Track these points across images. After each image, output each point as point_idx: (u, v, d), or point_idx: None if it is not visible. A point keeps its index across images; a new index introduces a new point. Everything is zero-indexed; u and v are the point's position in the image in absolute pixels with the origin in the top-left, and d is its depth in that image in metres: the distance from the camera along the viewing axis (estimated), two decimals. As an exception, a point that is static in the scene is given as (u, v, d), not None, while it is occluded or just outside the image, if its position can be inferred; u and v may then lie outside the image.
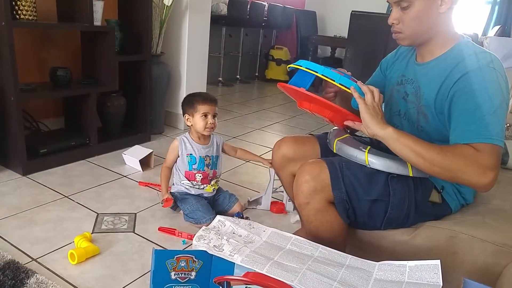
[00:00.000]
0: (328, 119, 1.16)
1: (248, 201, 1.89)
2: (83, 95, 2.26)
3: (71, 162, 2.19)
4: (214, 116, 1.70)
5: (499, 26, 4.14)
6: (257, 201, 1.90)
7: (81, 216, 1.67)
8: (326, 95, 1.20)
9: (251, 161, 2.41)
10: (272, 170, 1.82)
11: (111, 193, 1.90)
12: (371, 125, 1.03)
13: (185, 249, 1.48)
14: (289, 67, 1.18)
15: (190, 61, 2.95)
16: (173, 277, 1.02)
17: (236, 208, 1.75)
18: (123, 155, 2.26)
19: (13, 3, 1.90)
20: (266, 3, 5.15)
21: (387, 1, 1.11)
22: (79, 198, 1.82)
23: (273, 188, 1.88)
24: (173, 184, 1.78)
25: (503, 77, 1.01)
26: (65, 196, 1.82)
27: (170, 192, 1.74)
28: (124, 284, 1.29)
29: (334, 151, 1.20)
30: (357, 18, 3.53)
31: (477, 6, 5.05)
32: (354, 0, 4.87)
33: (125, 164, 2.25)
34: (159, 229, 1.61)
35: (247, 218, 1.70)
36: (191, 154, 1.71)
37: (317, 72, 1.08)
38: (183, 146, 1.72)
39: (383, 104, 1.21)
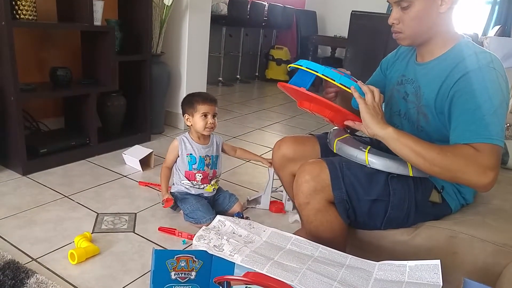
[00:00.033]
0: (328, 119, 1.16)
1: (248, 200, 1.89)
2: (83, 95, 2.26)
3: (71, 162, 2.19)
4: (214, 116, 1.70)
5: (499, 26, 4.14)
6: (256, 200, 1.90)
7: (81, 216, 1.67)
8: (327, 95, 1.20)
9: (251, 161, 2.41)
10: (271, 169, 1.82)
11: (111, 193, 1.90)
12: (371, 125, 1.03)
13: (185, 249, 1.48)
14: (289, 67, 1.18)
15: (190, 61, 2.95)
16: (173, 277, 1.02)
17: (236, 208, 1.75)
18: (123, 155, 2.26)
19: (13, 3, 1.90)
20: (266, 3, 5.15)
21: (387, 1, 1.11)
22: (79, 198, 1.82)
23: (272, 187, 1.88)
24: (173, 184, 1.78)
25: (503, 77, 1.01)
26: (65, 196, 1.82)
27: (170, 192, 1.74)
28: (124, 284, 1.29)
29: (334, 151, 1.20)
30: (357, 18, 3.54)
31: (477, 6, 5.05)
32: (354, 0, 4.87)
33: (125, 164, 2.25)
34: (159, 229, 1.61)
35: (247, 218, 1.70)
36: (191, 154, 1.71)
37: (317, 72, 1.08)
38: (183, 146, 1.72)
39: (383, 104, 1.21)
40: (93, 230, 1.57)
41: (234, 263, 0.97)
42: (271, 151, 1.49)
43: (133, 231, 1.59)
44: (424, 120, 1.13)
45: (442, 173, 0.98)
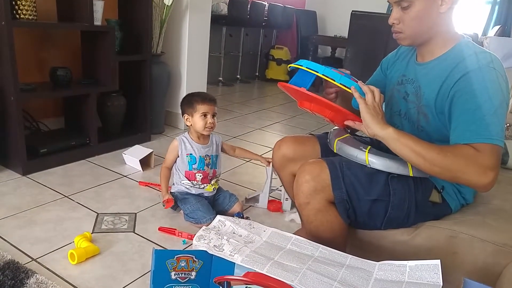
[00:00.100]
0: (328, 118, 1.16)
1: (246, 198, 1.90)
2: (83, 95, 2.26)
3: (71, 162, 2.19)
4: (213, 116, 1.70)
5: (499, 26, 4.14)
6: (255, 199, 1.91)
7: (81, 216, 1.67)
8: (327, 96, 1.20)
9: (251, 161, 2.41)
10: (269, 168, 1.82)
11: (111, 193, 1.90)
12: (371, 125, 1.03)
13: (185, 249, 1.48)
14: (289, 67, 1.18)
15: (191, 61, 2.95)
16: (173, 277, 1.02)
17: (236, 208, 1.75)
18: (123, 155, 2.26)
19: (13, 2, 1.90)
20: (266, 3, 5.15)
21: (388, 1, 1.11)
22: (79, 198, 1.82)
23: (271, 186, 1.88)
24: (173, 184, 1.78)
25: (503, 77, 1.01)
26: (65, 196, 1.82)
27: (171, 192, 1.74)
28: (124, 284, 1.29)
29: (335, 151, 1.20)
30: (357, 18, 3.54)
31: (477, 6, 5.05)
32: (354, 0, 4.87)
33: (125, 164, 2.25)
34: (159, 229, 1.61)
35: (247, 218, 1.70)
36: (191, 154, 1.71)
37: (317, 72, 1.08)
38: (182, 146, 1.72)
39: (384, 104, 1.21)
40: (93, 230, 1.57)
41: (234, 263, 0.97)
42: (271, 151, 1.49)
43: (133, 231, 1.59)
44: (424, 120, 1.13)
45: (442, 173, 0.98)
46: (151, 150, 2.22)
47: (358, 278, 0.90)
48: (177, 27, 2.87)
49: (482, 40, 2.91)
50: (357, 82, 1.09)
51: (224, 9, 4.62)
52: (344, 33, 4.26)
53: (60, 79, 2.18)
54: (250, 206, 1.89)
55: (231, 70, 5.25)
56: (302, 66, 1.11)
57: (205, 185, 1.73)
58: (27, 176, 1.98)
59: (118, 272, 1.34)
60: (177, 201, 1.72)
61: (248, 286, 0.93)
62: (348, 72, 1.14)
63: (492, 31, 4.07)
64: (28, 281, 1.21)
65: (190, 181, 1.72)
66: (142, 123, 2.64)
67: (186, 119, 1.72)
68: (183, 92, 2.93)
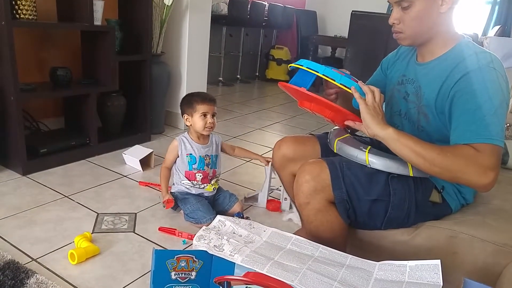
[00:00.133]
0: (328, 118, 1.16)
1: (245, 197, 1.90)
2: (83, 95, 2.26)
3: (71, 162, 2.19)
4: (213, 116, 1.70)
5: (499, 26, 4.14)
6: (254, 198, 1.91)
7: (81, 216, 1.67)
8: (327, 96, 1.20)
9: (251, 161, 2.41)
10: (268, 168, 1.83)
11: (111, 193, 1.90)
12: (371, 125, 1.03)
13: (186, 249, 1.48)
14: (290, 66, 1.17)
15: (191, 60, 2.95)
16: (173, 277, 1.02)
17: (236, 208, 1.75)
18: (123, 155, 2.26)
19: (13, 2, 1.90)
20: (266, 3, 5.15)
21: (388, 1, 1.10)
22: (79, 198, 1.82)
23: (270, 186, 1.88)
24: (173, 184, 1.78)
25: (504, 77, 1.01)
26: (65, 196, 1.82)
27: (171, 192, 1.74)
28: (124, 284, 1.29)
29: (335, 151, 1.20)
30: (357, 18, 3.54)
31: (477, 6, 5.05)
32: (354, 0, 4.87)
33: (125, 164, 2.25)
34: (159, 229, 1.61)
35: (247, 218, 1.70)
36: (191, 154, 1.71)
37: (318, 72, 1.08)
38: (182, 146, 1.72)
39: (384, 103, 1.21)
40: (93, 230, 1.57)
41: (234, 263, 0.97)
42: (271, 151, 1.49)
43: (133, 231, 1.59)
44: (424, 120, 1.13)
45: (443, 174, 0.98)
46: (151, 150, 2.22)
47: (358, 278, 0.90)
48: (177, 27, 2.87)
49: (482, 40, 2.91)
50: (357, 82, 1.08)
51: (224, 9, 4.62)
52: (344, 33, 4.26)
53: (60, 79, 2.18)
54: (250, 205, 1.89)
55: (231, 70, 5.25)
56: (302, 66, 1.11)
57: (205, 185, 1.73)
58: (27, 176, 1.98)
59: (118, 272, 1.34)
60: (177, 201, 1.72)
61: (248, 286, 0.93)
62: (348, 72, 1.14)
63: (492, 31, 4.07)
64: (28, 281, 1.21)
65: (190, 181, 1.72)
66: (142, 123, 2.64)
67: (186, 119, 1.72)
68: (183, 92, 2.93)
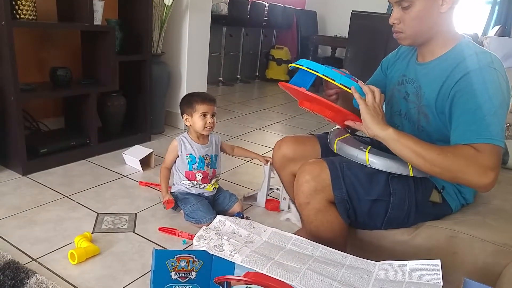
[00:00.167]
0: (328, 118, 1.16)
1: (244, 197, 1.90)
2: (83, 95, 2.26)
3: (71, 162, 2.19)
4: (213, 116, 1.70)
5: (499, 26, 4.14)
6: (253, 197, 1.91)
7: (81, 216, 1.67)
8: (327, 96, 1.20)
9: (251, 161, 2.41)
10: (267, 167, 1.83)
11: (111, 193, 1.90)
12: (371, 125, 1.03)
13: (186, 249, 1.48)
14: (290, 66, 1.17)
15: (191, 60, 2.95)
16: (173, 277, 1.02)
17: (236, 208, 1.75)
18: (123, 155, 2.26)
19: (13, 2, 1.90)
20: (266, 3, 5.15)
21: (388, 1, 1.10)
22: (79, 198, 1.82)
23: (269, 186, 1.88)
24: (173, 184, 1.78)
25: (504, 77, 1.01)
26: (65, 196, 1.82)
27: (171, 192, 1.74)
28: (124, 284, 1.29)
29: (335, 151, 1.20)
30: (357, 18, 3.54)
31: (477, 6, 5.05)
32: (354, 0, 4.87)
33: (125, 164, 2.25)
34: (160, 229, 1.61)
35: (247, 218, 1.70)
36: (191, 154, 1.71)
37: (318, 72, 1.08)
38: (182, 146, 1.72)
39: (384, 103, 1.21)
40: (93, 230, 1.57)
41: (235, 263, 0.97)
42: (271, 151, 1.49)
43: (133, 231, 1.59)
44: (424, 120, 1.13)
45: (443, 174, 0.98)
46: (151, 150, 2.22)
47: (358, 278, 0.90)
48: (177, 27, 2.87)
49: (482, 40, 2.91)
50: (357, 82, 1.08)
51: (224, 9, 4.62)
52: (344, 33, 4.27)
53: (60, 79, 2.18)
54: (249, 205, 1.89)
55: (231, 70, 5.25)
56: (302, 66, 1.11)
57: (205, 185, 1.73)
58: (27, 176, 1.98)
59: (118, 272, 1.34)
60: (177, 201, 1.72)
61: (248, 286, 0.93)
62: (348, 72, 1.14)
63: (492, 31, 4.07)
64: (28, 281, 1.21)
65: (190, 181, 1.72)
66: (142, 123, 2.64)
67: (186, 119, 1.72)
68: (183, 92, 2.93)
